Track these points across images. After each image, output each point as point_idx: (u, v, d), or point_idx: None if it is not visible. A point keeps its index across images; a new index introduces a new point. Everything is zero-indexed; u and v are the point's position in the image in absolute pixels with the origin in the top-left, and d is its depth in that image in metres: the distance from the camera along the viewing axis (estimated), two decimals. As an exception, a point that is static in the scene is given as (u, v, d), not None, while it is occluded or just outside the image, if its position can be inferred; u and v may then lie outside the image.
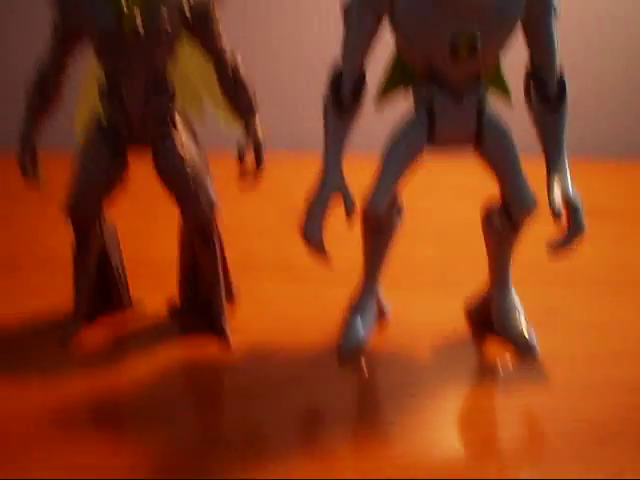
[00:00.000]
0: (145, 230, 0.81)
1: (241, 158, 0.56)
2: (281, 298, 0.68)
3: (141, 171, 0.60)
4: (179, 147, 0.57)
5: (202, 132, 0.61)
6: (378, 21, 0.53)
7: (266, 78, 1.10)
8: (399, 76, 0.57)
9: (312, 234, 0.54)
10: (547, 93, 0.56)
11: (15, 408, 0.53)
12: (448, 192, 0.92)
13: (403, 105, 0.57)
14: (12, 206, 0.89)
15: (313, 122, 1.13)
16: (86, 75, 0.60)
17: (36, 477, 0.46)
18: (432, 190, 0.87)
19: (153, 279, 0.69)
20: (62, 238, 0.74)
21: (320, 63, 1.07)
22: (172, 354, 0.59)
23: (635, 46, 1.13)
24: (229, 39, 0.58)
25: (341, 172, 0.54)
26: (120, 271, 0.63)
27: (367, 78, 0.55)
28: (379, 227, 0.58)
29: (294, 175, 0.92)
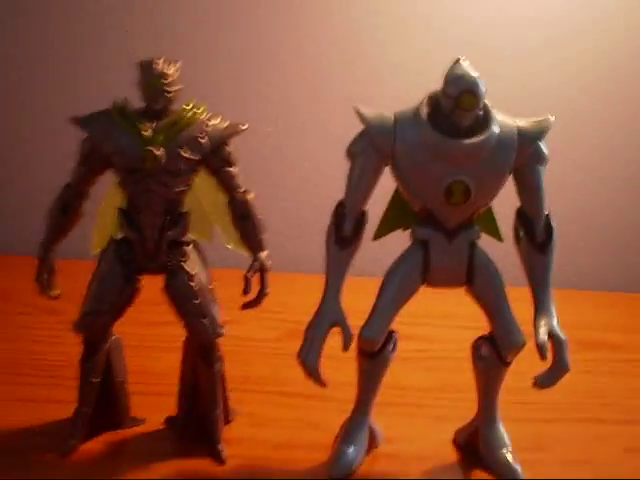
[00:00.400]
0: (148, 343, 0.83)
1: (247, 281, 0.60)
2: (276, 420, 0.70)
3: (148, 284, 0.63)
4: (190, 279, 0.60)
5: (208, 247, 0.65)
6: (380, 166, 0.58)
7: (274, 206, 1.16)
8: (398, 216, 0.61)
9: (308, 360, 0.57)
10: (535, 236, 0.60)
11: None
12: (442, 320, 0.94)
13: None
14: (17, 313, 0.91)
15: (316, 248, 1.18)
16: (108, 194, 0.63)
17: None
18: (426, 317, 0.90)
19: (154, 392, 0.71)
20: (67, 348, 0.77)
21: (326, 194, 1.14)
22: (168, 470, 0.61)
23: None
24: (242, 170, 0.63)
25: (339, 304, 0.58)
26: (123, 387, 0.66)
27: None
28: (374, 358, 0.61)
29: (296, 298, 0.96)
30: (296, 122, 1.17)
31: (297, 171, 1.19)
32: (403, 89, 1.04)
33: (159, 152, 0.57)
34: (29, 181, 1.16)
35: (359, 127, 0.58)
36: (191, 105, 0.60)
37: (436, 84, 0.57)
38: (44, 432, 0.65)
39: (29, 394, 0.72)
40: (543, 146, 0.58)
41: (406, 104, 0.58)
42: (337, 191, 1.06)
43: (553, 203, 0.60)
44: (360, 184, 0.58)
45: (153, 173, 0.58)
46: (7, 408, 0.69)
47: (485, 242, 0.61)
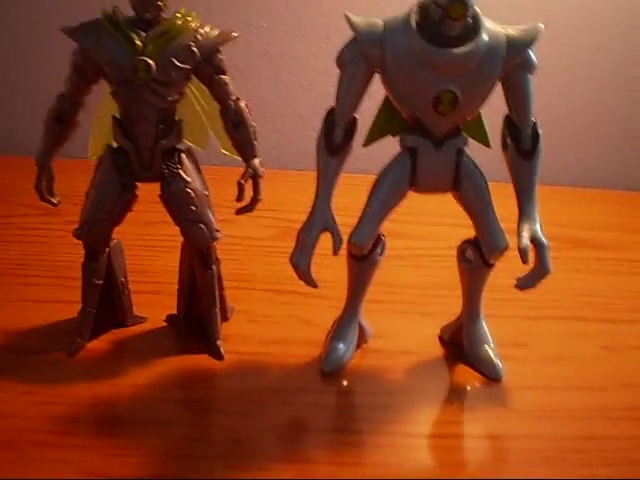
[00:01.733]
0: (147, 242, 0.86)
1: (240, 188, 0.62)
2: (271, 317, 0.74)
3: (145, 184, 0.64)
4: (186, 185, 0.62)
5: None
6: (369, 73, 0.58)
7: (270, 104, 1.16)
8: (387, 123, 0.62)
9: (300, 264, 0.60)
10: (521, 142, 0.61)
11: (22, 412, 0.57)
12: (431, 218, 0.96)
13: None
14: (20, 215, 0.94)
15: (312, 145, 1.19)
16: (103, 101, 0.64)
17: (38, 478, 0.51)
18: (415, 215, 0.92)
19: (154, 291, 0.75)
20: (70, 249, 0.79)
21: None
22: (169, 365, 0.64)
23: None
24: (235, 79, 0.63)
25: (330, 210, 0.60)
26: (124, 287, 0.69)
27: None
28: (363, 261, 0.63)
29: (290, 196, 0.98)
30: (294, 20, 1.16)
31: (292, 67, 1.18)
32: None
33: (151, 62, 0.58)
34: (31, 83, 1.16)
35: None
36: (182, 13, 0.60)
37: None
38: (50, 332, 0.69)
39: (34, 295, 0.75)
40: (532, 54, 0.58)
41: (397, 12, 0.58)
42: (332, 87, 1.06)
43: (540, 102, 0.61)
44: (350, 91, 0.59)
45: (145, 83, 0.59)
46: (13, 309, 0.72)
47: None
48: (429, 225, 0.96)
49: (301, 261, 0.60)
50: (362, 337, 0.68)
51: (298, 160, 1.20)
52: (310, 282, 0.61)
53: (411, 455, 0.56)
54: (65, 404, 0.59)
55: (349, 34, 0.58)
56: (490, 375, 0.65)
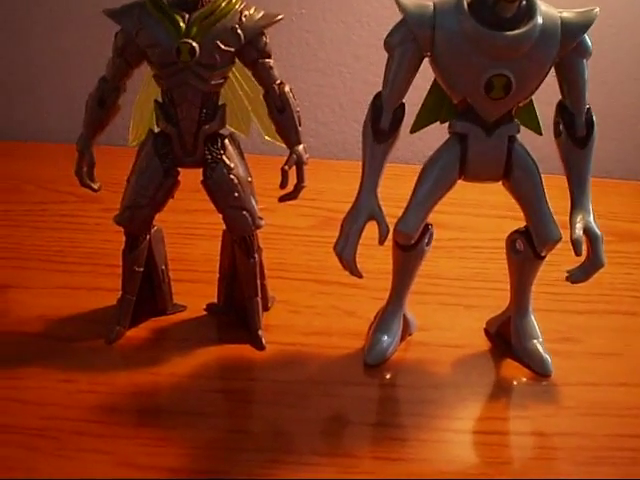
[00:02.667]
0: (186, 230, 0.85)
1: (284, 174, 0.61)
2: (312, 307, 0.72)
3: (185, 172, 0.63)
4: (229, 171, 0.61)
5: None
6: (419, 57, 0.56)
7: (309, 92, 1.14)
8: (436, 109, 0.60)
9: (345, 252, 0.58)
10: (575, 130, 0.59)
11: (61, 401, 0.57)
12: (474, 209, 0.95)
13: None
14: (59, 202, 0.93)
15: (351, 134, 1.17)
16: (144, 86, 0.64)
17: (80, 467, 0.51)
18: (459, 206, 0.90)
19: (195, 280, 0.74)
20: (109, 236, 0.79)
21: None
22: (209, 355, 0.63)
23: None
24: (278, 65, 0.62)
25: (376, 198, 0.58)
26: (165, 275, 0.67)
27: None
28: (409, 251, 0.61)
29: (330, 185, 0.96)
30: (334, 6, 1.15)
31: (333, 56, 1.17)
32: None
33: (195, 44, 0.57)
34: (66, 70, 1.16)
35: (398, 16, 0.57)
36: (226, -6, 0.58)
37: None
38: (88, 319, 0.68)
39: (72, 282, 0.74)
40: (587, 39, 0.56)
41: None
42: (372, 76, 1.05)
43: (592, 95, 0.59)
44: (398, 76, 0.57)
45: (189, 66, 0.57)
46: (50, 296, 0.72)
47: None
48: (472, 216, 0.93)
49: (346, 250, 0.58)
50: (406, 329, 0.66)
51: (337, 149, 1.18)
52: (355, 272, 0.59)
53: (456, 452, 0.55)
54: (104, 393, 0.58)
55: (389, 20, 0.56)
56: (539, 370, 0.63)
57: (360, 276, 0.60)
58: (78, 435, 0.53)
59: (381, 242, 0.58)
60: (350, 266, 0.59)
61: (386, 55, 0.57)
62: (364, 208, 0.58)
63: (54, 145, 1.10)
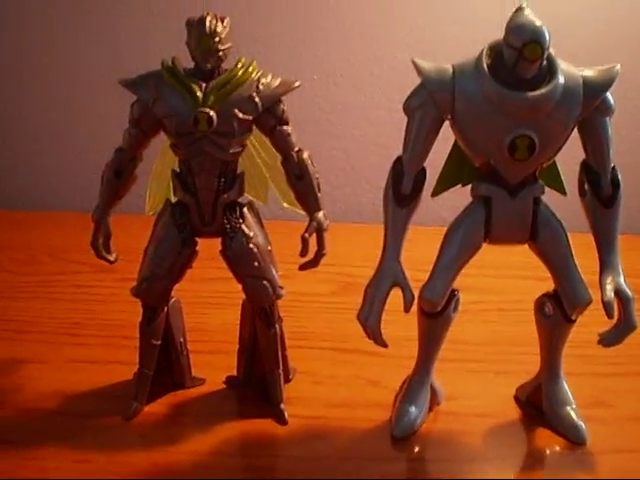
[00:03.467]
0: (203, 300, 0.83)
1: (304, 242, 0.59)
2: (334, 377, 0.70)
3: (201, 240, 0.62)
4: (248, 241, 0.60)
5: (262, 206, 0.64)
6: (440, 121, 0.56)
7: (322, 156, 1.14)
8: (457, 172, 0.59)
9: (370, 322, 0.57)
10: (601, 189, 0.57)
11: (78, 476, 0.55)
12: (496, 270, 0.93)
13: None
14: (73, 272, 0.92)
15: (365, 197, 1.16)
16: (161, 155, 0.63)
17: None
18: (479, 268, 0.88)
19: (213, 352, 0.72)
20: (125, 307, 0.77)
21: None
22: (230, 431, 0.61)
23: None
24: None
25: (400, 264, 0.57)
26: (183, 348, 0.66)
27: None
28: (435, 318, 0.60)
29: (348, 249, 0.95)
30: (345, 71, 1.16)
31: (345, 119, 1.17)
32: (462, 40, 1.01)
33: (212, 113, 0.56)
34: (79, 140, 1.17)
35: (412, 78, 0.56)
36: (242, 63, 0.58)
37: (495, 34, 0.54)
38: (105, 394, 0.66)
39: (88, 355, 0.73)
40: (610, 97, 0.56)
41: (465, 56, 0.56)
42: (386, 139, 1.05)
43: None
44: (418, 140, 0.56)
45: (207, 135, 0.57)
46: (66, 370, 0.70)
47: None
48: (493, 277, 0.92)
49: (370, 318, 0.57)
50: (434, 399, 0.64)
51: (352, 213, 1.17)
52: (380, 341, 0.57)
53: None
54: (122, 473, 0.56)
55: (399, 83, 0.56)
56: (573, 439, 0.60)
57: (385, 345, 0.58)
58: (96, 521, 0.51)
59: (407, 310, 0.57)
60: (375, 335, 0.57)
61: (397, 117, 0.56)
62: (388, 274, 0.56)
63: (67, 213, 1.10)
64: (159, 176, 0.64)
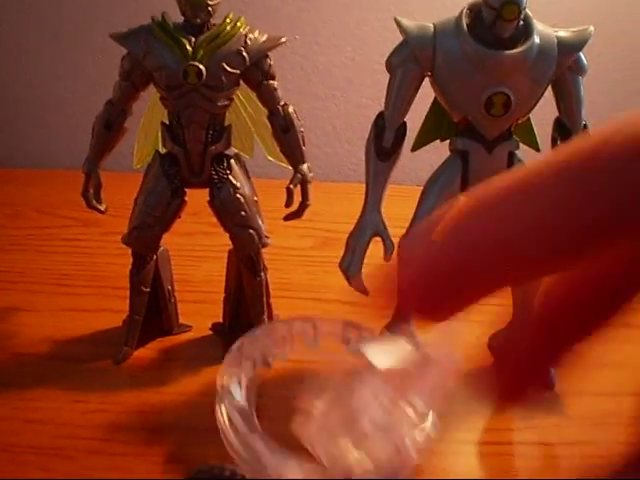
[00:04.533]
0: (187, 253, 0.85)
1: (289, 193, 0.62)
2: (316, 325, 0.73)
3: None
4: (236, 191, 0.62)
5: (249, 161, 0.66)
6: (420, 77, 0.58)
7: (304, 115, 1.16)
8: (436, 127, 0.62)
9: (351, 270, 0.59)
10: None
11: (73, 421, 0.57)
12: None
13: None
14: (60, 226, 0.94)
15: (346, 156, 1.18)
16: (148, 109, 0.65)
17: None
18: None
19: (199, 301, 0.74)
20: (112, 259, 0.80)
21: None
22: (216, 373, 0.63)
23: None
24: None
25: (380, 215, 0.59)
26: (171, 295, 0.68)
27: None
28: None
29: (327, 206, 0.97)
30: (327, 31, 1.17)
31: (324, 79, 1.19)
32: (443, 1, 1.03)
33: (202, 67, 0.58)
34: (68, 96, 1.18)
35: (392, 40, 0.58)
36: (230, 18, 0.60)
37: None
38: (95, 340, 0.68)
39: (78, 304, 0.75)
40: (583, 57, 0.58)
41: (446, 16, 0.58)
42: (367, 99, 1.06)
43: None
44: (400, 96, 0.58)
45: (196, 88, 0.59)
46: (57, 318, 0.72)
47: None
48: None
49: (352, 266, 0.59)
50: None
51: (331, 172, 1.19)
52: (361, 288, 0.60)
53: (464, 461, 0.55)
54: (114, 412, 0.58)
55: (381, 44, 0.58)
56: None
57: (366, 293, 0.60)
58: (91, 454, 0.54)
59: (386, 258, 0.59)
60: (356, 282, 0.60)
61: (378, 78, 0.58)
62: (369, 224, 0.59)
63: (53, 170, 1.11)
64: (147, 130, 0.65)
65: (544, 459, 0.57)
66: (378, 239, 0.60)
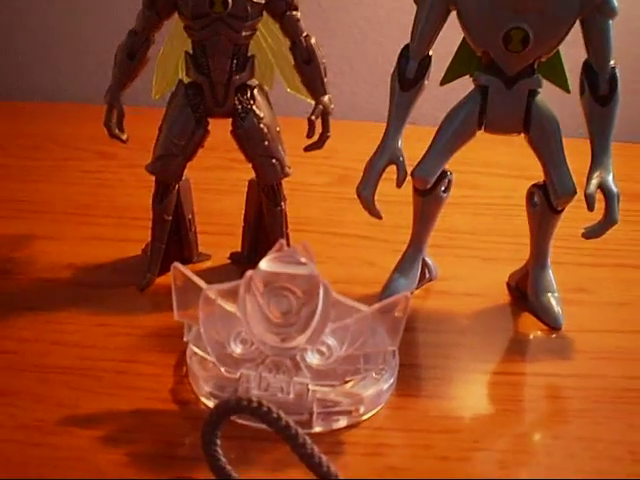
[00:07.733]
0: (206, 186, 0.86)
1: (310, 124, 0.63)
2: (333, 258, 0.74)
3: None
4: (259, 121, 0.63)
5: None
6: (446, 9, 0.58)
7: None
8: (465, 62, 0.62)
9: (365, 193, 0.61)
10: (598, 88, 0.60)
11: (98, 343, 0.59)
12: (485, 168, 0.96)
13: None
14: (77, 159, 0.94)
15: (363, 96, 1.18)
16: (168, 39, 0.65)
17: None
18: (469, 165, 0.91)
19: (217, 233, 0.75)
20: (130, 190, 0.81)
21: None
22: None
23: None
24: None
25: (398, 144, 0.60)
26: (192, 224, 0.70)
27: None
28: (426, 196, 0.64)
29: (344, 144, 0.97)
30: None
31: (343, 17, 1.17)
32: None
33: None
34: (83, 29, 1.17)
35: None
36: (255, -51, 0.60)
37: None
38: (117, 267, 0.70)
39: (99, 233, 0.76)
40: None
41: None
42: (385, 38, 1.05)
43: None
44: (425, 28, 0.59)
45: (221, 17, 0.59)
46: (79, 246, 0.74)
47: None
48: (483, 175, 0.95)
49: (366, 190, 0.61)
50: (424, 276, 0.69)
51: (348, 110, 1.19)
52: (373, 211, 0.61)
53: (474, 389, 0.58)
54: (139, 335, 0.61)
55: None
56: (551, 323, 0.65)
57: (379, 216, 0.62)
58: (118, 374, 0.56)
59: (398, 185, 0.61)
60: (368, 205, 0.61)
61: (397, 17, 0.58)
62: (386, 151, 0.60)
63: (69, 104, 1.12)
64: (166, 61, 0.65)
65: (554, 388, 0.59)
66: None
